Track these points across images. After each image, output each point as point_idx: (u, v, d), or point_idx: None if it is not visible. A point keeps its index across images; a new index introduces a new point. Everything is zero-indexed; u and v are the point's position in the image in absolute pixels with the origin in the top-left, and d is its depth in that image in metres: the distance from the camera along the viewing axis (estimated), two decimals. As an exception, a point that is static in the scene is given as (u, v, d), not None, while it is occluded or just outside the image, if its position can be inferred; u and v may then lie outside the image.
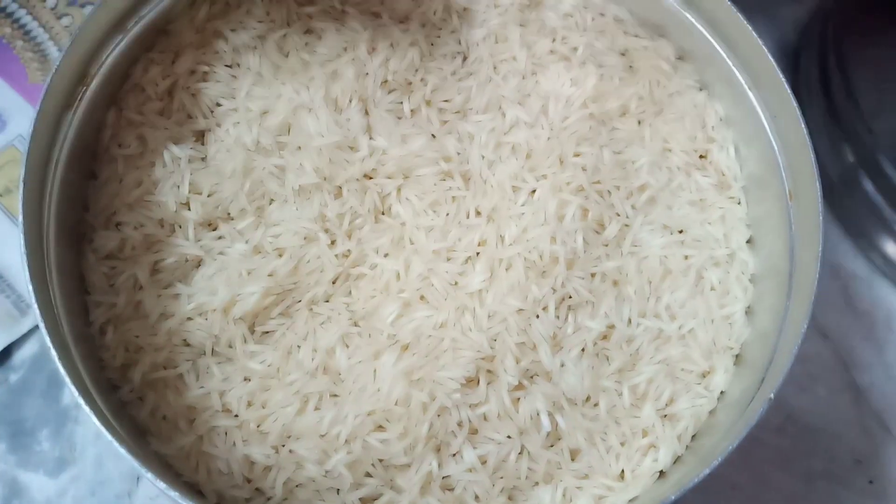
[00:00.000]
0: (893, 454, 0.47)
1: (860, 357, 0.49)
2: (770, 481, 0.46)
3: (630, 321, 0.38)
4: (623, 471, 0.37)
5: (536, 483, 0.36)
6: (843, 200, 0.50)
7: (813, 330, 0.49)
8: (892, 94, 0.49)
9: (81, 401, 0.30)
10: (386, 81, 0.41)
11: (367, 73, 0.41)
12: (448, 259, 0.38)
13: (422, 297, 0.38)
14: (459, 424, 0.35)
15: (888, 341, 0.49)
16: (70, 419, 0.45)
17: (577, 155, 0.40)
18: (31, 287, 0.32)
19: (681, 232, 0.40)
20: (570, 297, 0.38)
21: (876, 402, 0.48)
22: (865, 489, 0.47)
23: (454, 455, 0.36)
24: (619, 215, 0.40)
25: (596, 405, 0.37)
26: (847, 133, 0.48)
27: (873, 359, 0.49)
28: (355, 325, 0.37)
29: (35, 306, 0.32)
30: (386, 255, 0.39)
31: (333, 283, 0.38)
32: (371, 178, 0.40)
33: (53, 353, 0.31)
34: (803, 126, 0.36)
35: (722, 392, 0.38)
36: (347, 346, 0.36)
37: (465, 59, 0.43)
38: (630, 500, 0.36)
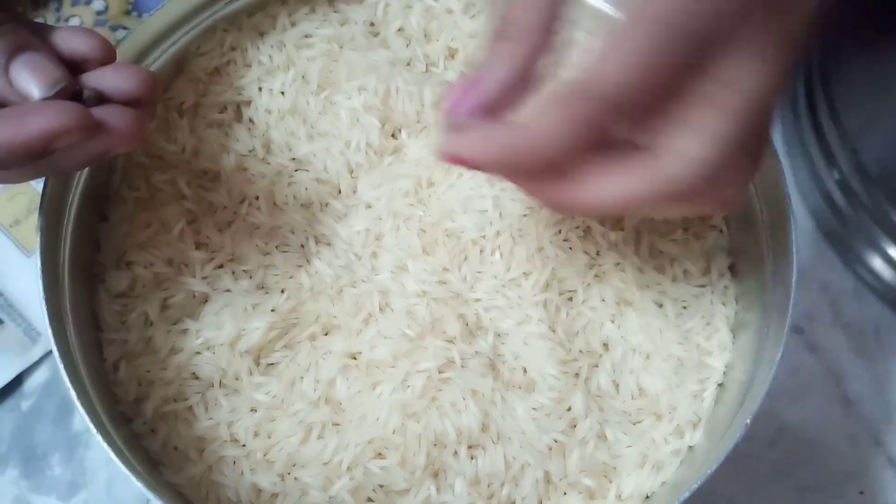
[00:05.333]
0: (883, 465, 0.48)
1: (850, 370, 0.50)
2: (764, 493, 0.48)
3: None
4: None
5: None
6: (830, 217, 0.51)
7: (802, 345, 0.50)
8: (876, 114, 0.50)
9: (100, 438, 0.32)
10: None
11: None
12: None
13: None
14: (456, 454, 0.36)
15: (877, 354, 0.51)
16: (81, 444, 0.46)
17: None
18: (49, 330, 0.34)
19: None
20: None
21: (866, 415, 0.49)
22: (856, 500, 0.48)
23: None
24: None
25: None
26: (832, 152, 0.50)
27: (863, 372, 0.50)
28: (353, 358, 0.38)
29: (54, 348, 0.34)
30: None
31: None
32: None
33: (72, 393, 0.33)
34: (778, 152, 0.37)
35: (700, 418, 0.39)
36: (347, 378, 0.38)
37: None
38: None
